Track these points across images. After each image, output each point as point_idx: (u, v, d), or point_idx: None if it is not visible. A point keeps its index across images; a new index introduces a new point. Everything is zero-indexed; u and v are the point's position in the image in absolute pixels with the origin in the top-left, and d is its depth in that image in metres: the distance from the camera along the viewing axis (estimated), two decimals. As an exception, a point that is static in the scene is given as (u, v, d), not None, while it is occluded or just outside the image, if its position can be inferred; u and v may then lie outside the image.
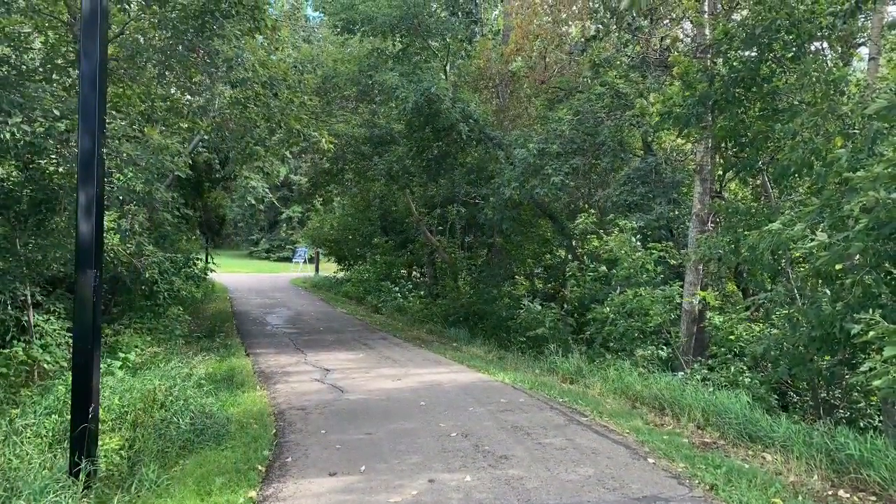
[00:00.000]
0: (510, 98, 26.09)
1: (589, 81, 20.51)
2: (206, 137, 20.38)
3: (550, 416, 10.29)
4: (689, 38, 19.48)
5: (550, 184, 18.23)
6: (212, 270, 25.36)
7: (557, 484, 7.20)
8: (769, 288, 12.22)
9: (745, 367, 12.28)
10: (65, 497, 6.38)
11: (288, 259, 64.96)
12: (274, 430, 9.45)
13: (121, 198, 13.35)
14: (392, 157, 25.48)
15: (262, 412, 10.45)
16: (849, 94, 11.36)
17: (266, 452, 8.37)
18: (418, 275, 35.08)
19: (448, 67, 26.84)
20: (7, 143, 9.77)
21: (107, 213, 12.42)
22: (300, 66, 24.32)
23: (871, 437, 7.79)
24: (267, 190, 50.94)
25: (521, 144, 19.92)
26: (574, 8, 23.42)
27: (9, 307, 10.97)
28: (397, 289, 30.33)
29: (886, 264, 8.28)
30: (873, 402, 11.00)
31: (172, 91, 18.34)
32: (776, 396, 11.83)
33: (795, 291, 11.03)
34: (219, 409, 10.06)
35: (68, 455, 6.87)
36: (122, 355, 12.54)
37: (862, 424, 10.59)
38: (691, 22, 16.29)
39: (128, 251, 13.58)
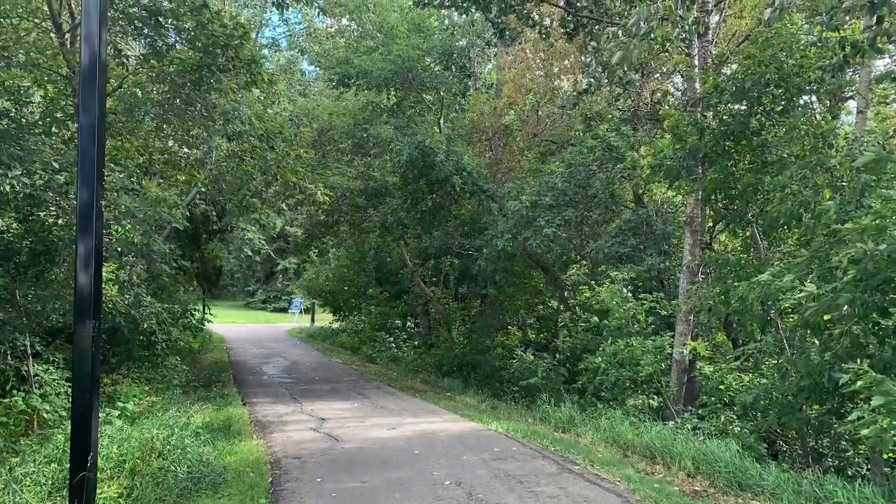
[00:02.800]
0: (503, 151, 26.37)
1: (581, 134, 20.83)
2: (203, 190, 20.65)
3: (543, 464, 10.38)
4: (679, 92, 19.84)
5: (543, 235, 18.43)
6: (209, 321, 25.43)
7: (550, 531, 7.30)
8: (759, 338, 12.33)
9: (734, 417, 12.34)
10: (64, 544, 6.45)
11: (284, 309, 64.87)
12: (270, 479, 9.51)
13: (119, 249, 13.50)
14: (386, 210, 25.74)
15: (258, 461, 10.51)
16: (837, 146, 11.43)
17: (262, 501, 8.43)
18: (413, 325, 35.04)
19: (442, 121, 27.27)
20: (7, 196, 9.96)
21: (105, 264, 12.55)
22: (296, 120, 24.74)
23: (860, 485, 7.90)
24: (263, 241, 51.18)
25: (513, 197, 20.19)
26: (566, 62, 23.78)
27: (8, 357, 11.06)
28: (392, 339, 30.31)
29: (874, 315, 8.38)
30: (861, 451, 11.05)
31: (170, 144, 18.63)
32: (765, 445, 11.89)
33: (784, 342, 11.18)
34: (216, 458, 10.10)
35: (67, 503, 6.93)
36: (120, 405, 12.57)
37: (850, 473, 10.64)
38: (682, 76, 16.54)
39: (126, 302, 13.67)
